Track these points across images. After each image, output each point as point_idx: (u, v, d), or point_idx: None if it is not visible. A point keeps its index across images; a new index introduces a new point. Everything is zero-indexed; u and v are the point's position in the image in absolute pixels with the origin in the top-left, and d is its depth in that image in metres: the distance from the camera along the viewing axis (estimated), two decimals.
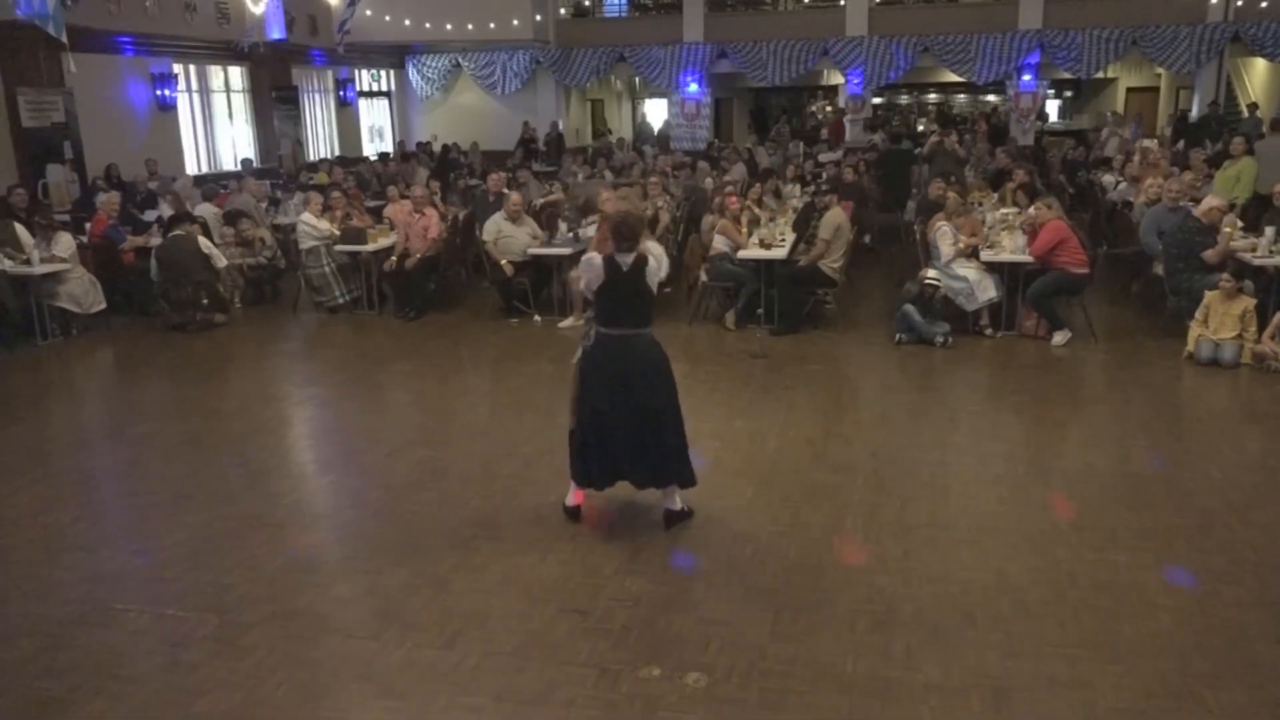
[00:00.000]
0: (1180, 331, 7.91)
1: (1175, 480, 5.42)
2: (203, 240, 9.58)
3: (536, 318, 9.54)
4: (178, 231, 9.46)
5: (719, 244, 9.09)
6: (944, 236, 8.60)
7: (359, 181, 14.39)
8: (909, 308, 8.36)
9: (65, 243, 9.22)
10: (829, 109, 27.37)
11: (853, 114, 21.23)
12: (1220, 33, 18.75)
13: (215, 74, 17.51)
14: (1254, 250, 8.14)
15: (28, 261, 8.95)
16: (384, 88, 22.99)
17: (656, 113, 26.77)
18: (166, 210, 10.42)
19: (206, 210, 10.93)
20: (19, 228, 9.27)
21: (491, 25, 20.27)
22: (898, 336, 8.35)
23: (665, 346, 4.87)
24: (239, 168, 15.99)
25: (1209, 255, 7.95)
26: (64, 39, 11.77)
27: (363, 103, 22.22)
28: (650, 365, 4.76)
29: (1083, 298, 8.45)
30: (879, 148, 17.28)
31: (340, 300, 10.08)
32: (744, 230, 9.27)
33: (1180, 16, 18.90)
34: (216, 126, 17.61)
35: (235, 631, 4.03)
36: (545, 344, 8.72)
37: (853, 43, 20.36)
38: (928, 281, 8.42)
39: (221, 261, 9.67)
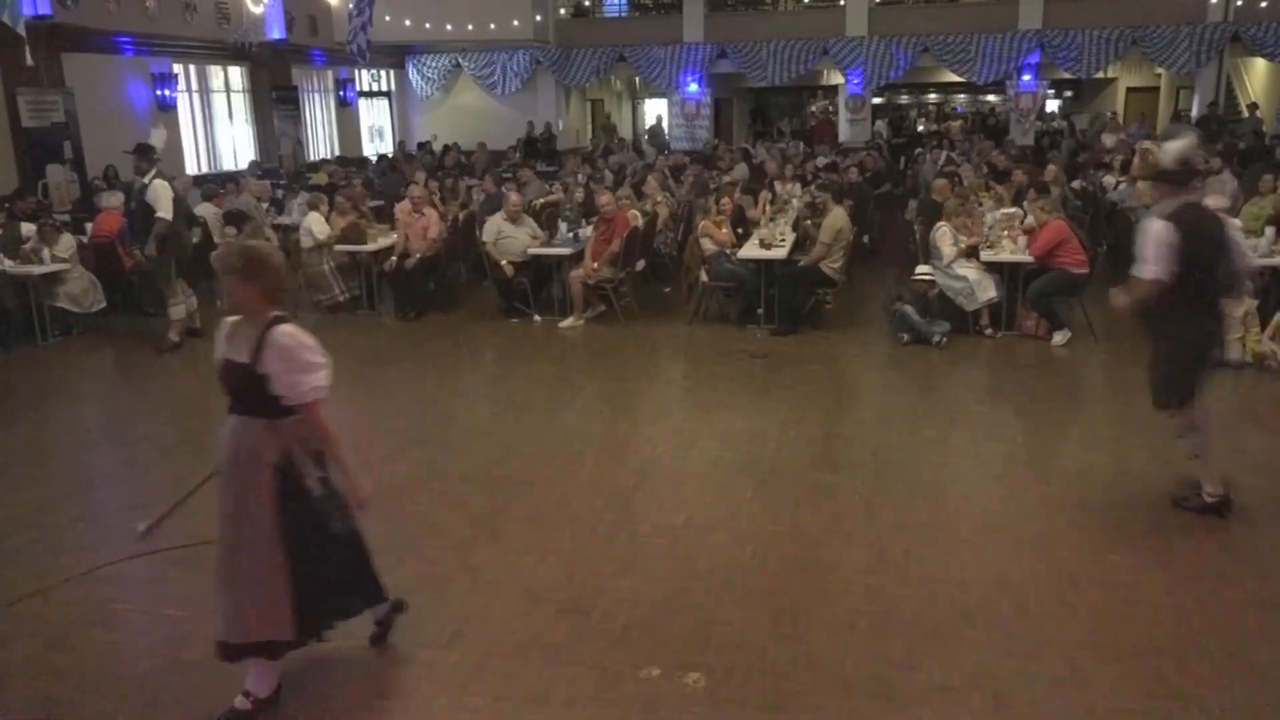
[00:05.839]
0: None
1: (1175, 480, 5.41)
2: None
3: (536, 318, 9.53)
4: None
5: (707, 244, 9.08)
6: (944, 238, 8.60)
7: (365, 181, 14.36)
8: (907, 308, 8.36)
9: (66, 243, 9.22)
10: (818, 110, 27.38)
11: (852, 114, 21.22)
12: (1220, 33, 18.75)
13: (215, 74, 17.49)
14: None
15: (31, 255, 8.91)
16: (384, 88, 22.99)
17: (657, 113, 26.73)
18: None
19: (206, 210, 10.92)
20: (23, 226, 9.28)
21: (491, 25, 20.27)
22: (902, 336, 8.34)
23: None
24: (244, 167, 15.96)
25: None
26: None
27: (363, 103, 22.21)
28: None
29: (1083, 297, 8.45)
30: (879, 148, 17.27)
31: (340, 298, 10.07)
32: (725, 231, 9.24)
33: (1180, 16, 18.90)
34: (216, 126, 17.60)
35: None
36: (545, 344, 8.71)
37: (853, 43, 20.36)
38: (917, 277, 8.43)
39: None
